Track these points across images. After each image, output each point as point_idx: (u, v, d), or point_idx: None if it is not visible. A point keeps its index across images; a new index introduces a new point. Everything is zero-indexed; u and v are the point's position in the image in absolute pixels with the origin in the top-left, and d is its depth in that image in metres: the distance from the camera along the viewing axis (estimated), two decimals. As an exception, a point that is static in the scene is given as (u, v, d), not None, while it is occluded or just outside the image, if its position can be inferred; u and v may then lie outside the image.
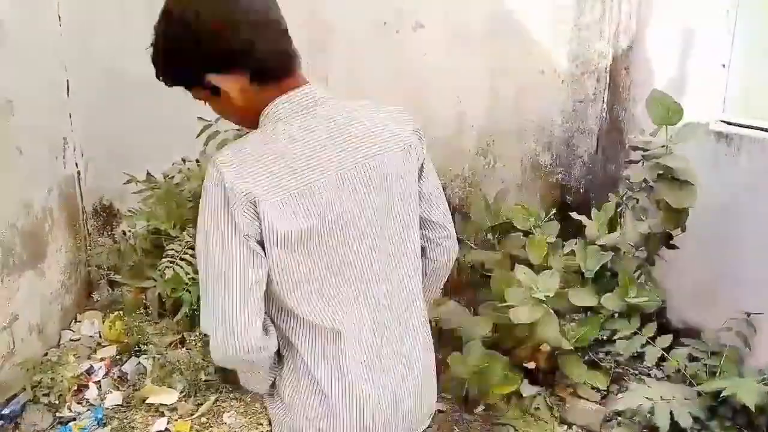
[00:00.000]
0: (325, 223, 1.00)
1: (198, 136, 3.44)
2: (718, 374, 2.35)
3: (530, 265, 2.59)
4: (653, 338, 2.46)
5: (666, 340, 2.47)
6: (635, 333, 2.46)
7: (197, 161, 3.34)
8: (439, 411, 2.50)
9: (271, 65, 1.04)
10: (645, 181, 2.54)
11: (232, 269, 0.95)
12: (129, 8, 3.31)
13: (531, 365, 2.48)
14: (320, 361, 1.06)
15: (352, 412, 1.07)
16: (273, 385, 1.13)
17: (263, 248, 0.97)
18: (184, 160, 3.36)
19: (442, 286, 1.40)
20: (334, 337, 1.05)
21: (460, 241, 2.88)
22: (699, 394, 2.27)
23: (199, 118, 3.44)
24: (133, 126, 3.40)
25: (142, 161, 3.34)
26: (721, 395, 2.12)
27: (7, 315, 2.55)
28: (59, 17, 2.89)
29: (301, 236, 0.98)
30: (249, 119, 1.08)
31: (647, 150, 2.51)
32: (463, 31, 3.54)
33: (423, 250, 1.21)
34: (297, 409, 1.09)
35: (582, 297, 2.45)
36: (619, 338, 2.51)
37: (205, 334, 1.30)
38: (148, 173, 3.27)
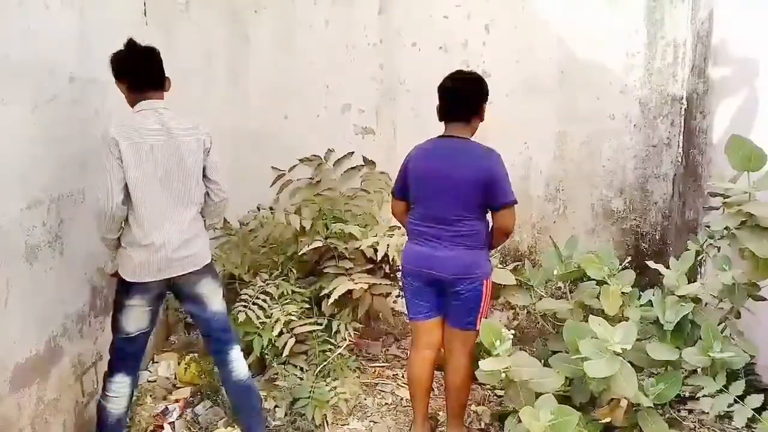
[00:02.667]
0: (147, 167, 2.21)
1: (272, 184, 3.61)
2: (818, 439, 2.15)
3: (605, 316, 2.49)
4: (742, 397, 2.29)
5: (756, 399, 2.29)
6: (721, 391, 2.30)
7: (271, 209, 3.47)
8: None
9: (134, 84, 2.31)
10: (727, 228, 2.42)
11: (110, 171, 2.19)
12: (213, 73, 3.55)
13: (607, 421, 2.36)
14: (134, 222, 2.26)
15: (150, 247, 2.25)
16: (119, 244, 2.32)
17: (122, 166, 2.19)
18: (259, 208, 3.51)
19: (221, 215, 2.55)
20: (147, 215, 2.24)
21: (529, 288, 2.85)
22: (797, 460, 2.08)
23: (273, 168, 3.62)
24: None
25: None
26: (823, 463, 1.94)
27: (93, 354, 2.70)
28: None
29: (134, 166, 2.18)
30: (130, 105, 2.35)
31: (728, 196, 2.40)
32: (531, 78, 3.57)
33: (208, 194, 2.41)
34: (128, 246, 2.28)
35: (661, 350, 2.33)
36: (704, 396, 2.36)
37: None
38: (225, 220, 3.43)
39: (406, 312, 3.74)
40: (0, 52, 2.03)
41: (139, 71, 2.29)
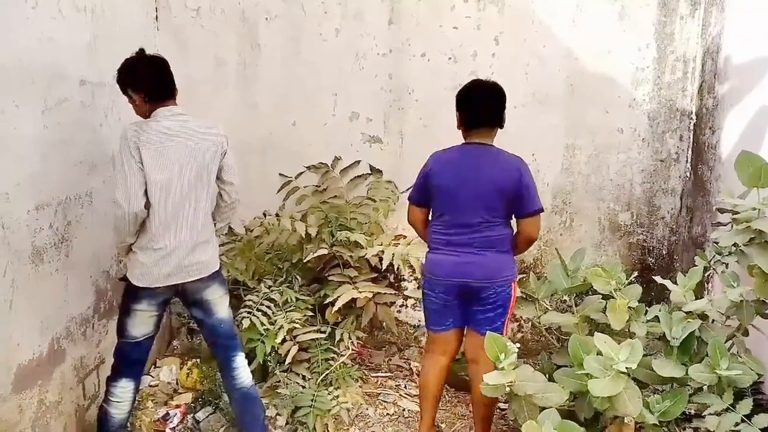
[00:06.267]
0: (167, 170, 2.20)
1: (279, 191, 3.61)
2: (826, 461, 2.12)
3: (610, 331, 2.47)
4: (749, 416, 2.27)
5: (764, 419, 2.25)
6: (728, 409, 2.27)
7: (277, 215, 3.47)
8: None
9: (152, 93, 2.29)
10: (735, 245, 2.40)
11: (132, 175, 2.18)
12: (223, 79, 3.57)
13: (612, 438, 2.33)
14: (149, 225, 2.25)
15: (161, 251, 2.25)
16: (130, 249, 2.32)
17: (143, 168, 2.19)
18: (265, 214, 3.51)
19: (231, 217, 2.58)
20: (163, 218, 2.24)
21: (535, 301, 2.83)
22: (804, 482, 2.05)
23: (280, 175, 3.62)
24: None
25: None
26: (831, 486, 1.91)
27: (96, 357, 2.69)
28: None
29: (154, 169, 2.18)
30: (143, 115, 2.34)
31: (737, 212, 2.38)
32: (540, 91, 3.57)
33: (221, 194, 2.47)
34: (139, 250, 2.28)
35: (667, 367, 2.30)
36: (710, 414, 2.33)
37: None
38: (230, 227, 3.43)
39: (409, 322, 3.76)
40: (14, 57, 2.05)
41: (157, 81, 2.29)
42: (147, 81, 2.27)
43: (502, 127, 2.48)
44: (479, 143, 2.43)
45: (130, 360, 2.37)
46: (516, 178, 2.36)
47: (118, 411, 2.35)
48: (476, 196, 2.37)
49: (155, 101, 2.28)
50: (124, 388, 2.35)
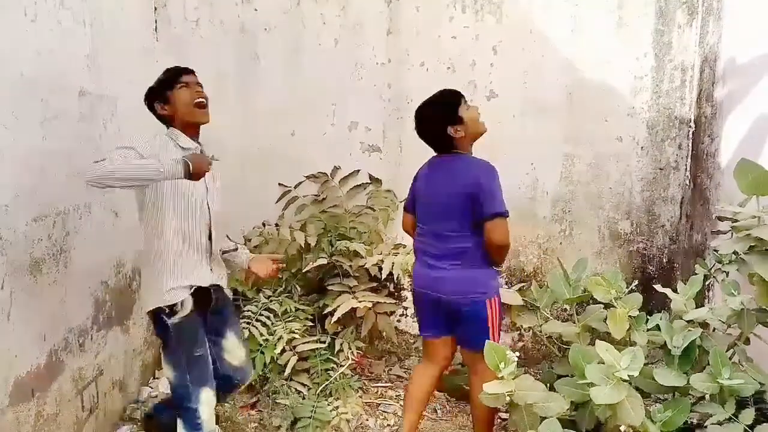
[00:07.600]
0: None
1: (278, 201, 3.61)
2: (830, 471, 2.09)
3: (611, 340, 2.46)
4: (752, 426, 2.25)
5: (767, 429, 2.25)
6: (730, 419, 2.25)
7: (276, 225, 3.47)
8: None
9: None
10: (735, 253, 2.39)
11: None
12: (223, 91, 3.58)
13: (613, 448, 2.31)
14: None
15: None
16: None
17: None
18: (264, 224, 3.51)
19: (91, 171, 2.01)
20: None
21: (536, 309, 2.82)
22: (808, 492, 2.03)
23: (280, 184, 3.62)
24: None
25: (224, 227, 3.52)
26: (836, 496, 1.89)
27: (94, 369, 2.68)
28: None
29: None
30: None
31: (736, 221, 2.38)
32: (538, 100, 3.57)
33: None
34: None
35: (669, 376, 2.29)
36: (712, 424, 2.31)
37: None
38: (228, 237, 3.42)
39: (409, 331, 3.74)
40: (13, 69, 2.05)
41: None
42: None
43: (456, 131, 2.37)
44: (445, 153, 2.47)
45: None
46: (473, 179, 2.31)
47: None
48: (442, 204, 2.39)
49: None
50: None
